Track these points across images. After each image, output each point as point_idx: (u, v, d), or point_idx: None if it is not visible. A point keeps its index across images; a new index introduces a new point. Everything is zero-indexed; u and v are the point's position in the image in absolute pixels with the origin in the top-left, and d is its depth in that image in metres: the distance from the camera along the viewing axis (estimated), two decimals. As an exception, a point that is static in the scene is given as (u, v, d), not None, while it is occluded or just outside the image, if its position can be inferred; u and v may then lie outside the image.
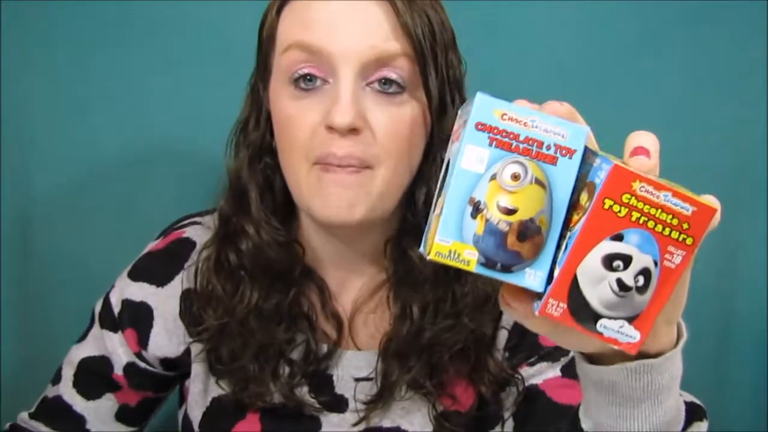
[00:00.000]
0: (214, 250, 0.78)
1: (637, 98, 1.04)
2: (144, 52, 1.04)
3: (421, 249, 0.48)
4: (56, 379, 0.85)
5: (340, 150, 0.67)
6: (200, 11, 1.03)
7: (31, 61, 1.04)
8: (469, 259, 0.45)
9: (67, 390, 0.83)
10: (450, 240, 0.45)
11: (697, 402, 0.62)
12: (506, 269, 0.45)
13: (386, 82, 0.68)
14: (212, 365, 0.79)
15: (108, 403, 0.83)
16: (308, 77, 0.68)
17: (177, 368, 0.83)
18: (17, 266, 1.06)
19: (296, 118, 0.69)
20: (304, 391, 0.78)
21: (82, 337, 0.85)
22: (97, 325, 0.83)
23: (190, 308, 0.79)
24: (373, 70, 0.68)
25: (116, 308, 0.82)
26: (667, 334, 0.51)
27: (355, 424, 0.78)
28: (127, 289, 0.82)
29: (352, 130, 0.67)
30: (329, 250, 0.78)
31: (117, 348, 0.81)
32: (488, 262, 0.45)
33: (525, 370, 0.77)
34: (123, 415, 0.84)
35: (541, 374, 0.76)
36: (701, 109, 1.05)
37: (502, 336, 0.78)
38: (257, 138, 0.76)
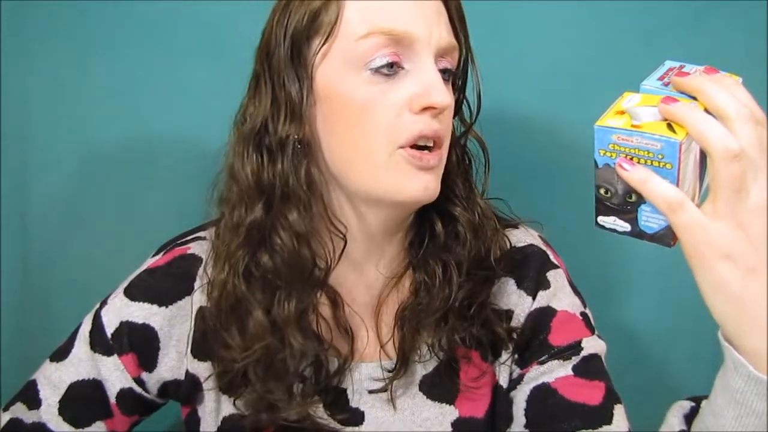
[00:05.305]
0: (241, 258, 0.73)
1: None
2: (143, 51, 1.05)
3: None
4: (32, 401, 0.77)
5: (429, 129, 0.70)
6: (200, 10, 1.03)
7: (31, 61, 1.04)
8: None
9: (51, 417, 0.76)
10: None
11: None
12: None
13: (445, 69, 0.73)
14: (225, 390, 0.77)
15: (98, 431, 0.78)
16: (390, 65, 0.70)
17: (171, 394, 0.81)
18: (17, 266, 1.06)
19: (378, 101, 0.70)
20: (320, 410, 0.77)
21: (62, 356, 0.79)
22: (84, 346, 0.78)
23: (206, 328, 0.76)
24: (439, 58, 0.72)
25: (109, 329, 0.77)
26: None
27: (374, 392, 0.77)
28: (125, 310, 0.77)
29: (441, 111, 0.71)
30: (365, 224, 0.76)
31: (112, 373, 0.77)
32: None
33: (535, 369, 0.77)
34: None
35: (551, 372, 0.76)
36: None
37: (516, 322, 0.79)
38: (294, 132, 0.71)
